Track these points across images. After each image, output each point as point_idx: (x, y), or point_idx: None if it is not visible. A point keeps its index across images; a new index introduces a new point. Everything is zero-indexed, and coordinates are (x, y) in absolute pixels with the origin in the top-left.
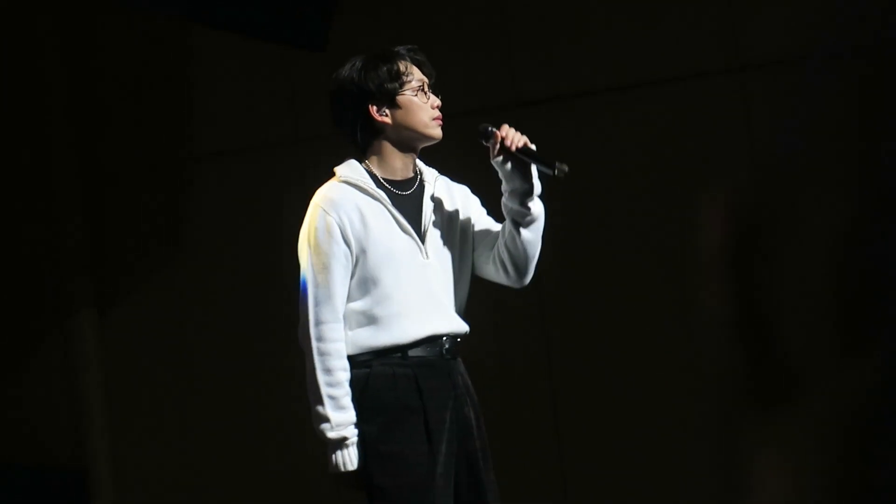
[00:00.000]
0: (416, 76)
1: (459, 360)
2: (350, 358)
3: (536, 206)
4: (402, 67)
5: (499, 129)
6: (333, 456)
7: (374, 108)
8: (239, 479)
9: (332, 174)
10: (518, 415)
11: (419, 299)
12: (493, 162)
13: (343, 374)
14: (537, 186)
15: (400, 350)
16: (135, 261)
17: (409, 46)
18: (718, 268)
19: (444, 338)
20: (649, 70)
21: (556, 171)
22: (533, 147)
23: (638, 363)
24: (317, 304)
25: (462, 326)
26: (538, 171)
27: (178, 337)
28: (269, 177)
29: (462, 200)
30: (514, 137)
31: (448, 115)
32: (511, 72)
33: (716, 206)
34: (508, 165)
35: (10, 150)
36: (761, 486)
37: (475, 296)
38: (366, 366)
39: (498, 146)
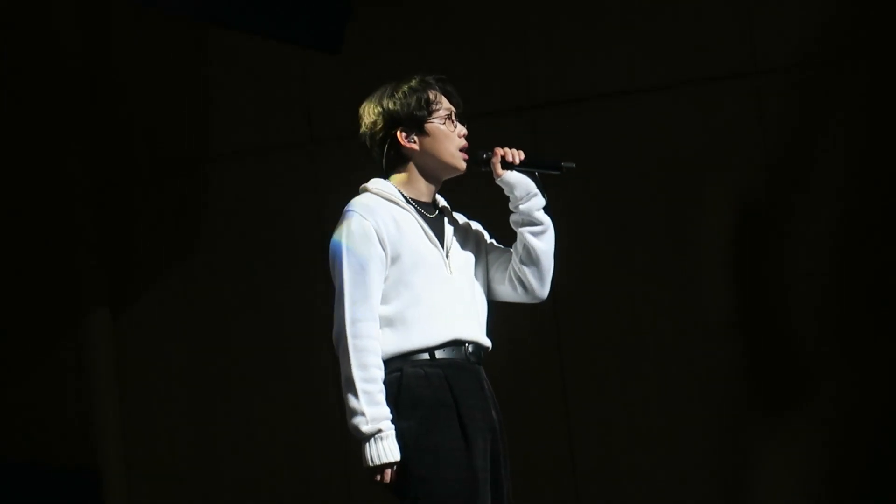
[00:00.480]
0: (444, 105)
1: (483, 369)
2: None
3: (546, 217)
4: (431, 96)
5: (492, 152)
6: (368, 449)
7: (403, 134)
8: (252, 478)
9: (361, 190)
10: (530, 420)
11: (447, 304)
12: (498, 182)
13: (378, 371)
14: (545, 197)
15: (427, 352)
16: (148, 260)
17: (439, 76)
18: (724, 266)
19: (468, 344)
20: (664, 73)
21: (563, 170)
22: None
23: (651, 364)
24: (354, 303)
25: (486, 341)
26: (544, 175)
27: (190, 336)
28: (282, 177)
29: (476, 229)
30: (512, 152)
31: (464, 117)
32: (526, 74)
33: (721, 206)
34: (515, 179)
35: (26, 151)
36: (766, 482)
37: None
38: (396, 370)
39: (499, 165)
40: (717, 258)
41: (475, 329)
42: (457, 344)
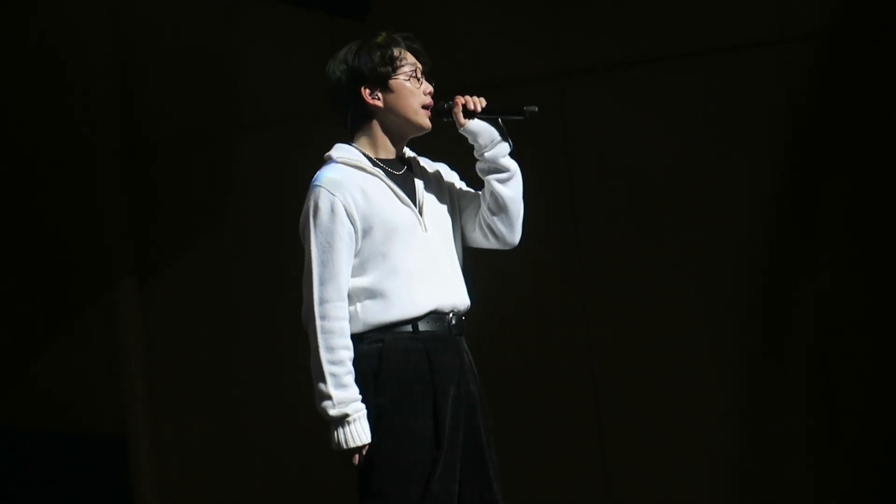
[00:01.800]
0: (409, 61)
1: (464, 339)
2: (361, 335)
3: (512, 163)
4: (396, 52)
5: (453, 101)
6: (335, 433)
7: (367, 90)
8: (280, 446)
9: (326, 159)
10: (560, 408)
11: (425, 272)
12: (461, 131)
13: (345, 352)
14: (510, 143)
15: (409, 323)
16: (175, 230)
17: (406, 34)
18: (750, 241)
19: (451, 314)
20: (692, 41)
21: (526, 115)
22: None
23: (683, 351)
24: (321, 283)
25: (465, 300)
26: (509, 122)
27: (217, 306)
28: (310, 147)
29: (445, 174)
30: (474, 100)
31: (493, 84)
32: (554, 41)
33: (748, 177)
34: (478, 127)
35: (53, 120)
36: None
37: (517, 282)
38: (378, 341)
39: (461, 113)
40: (742, 234)
41: (455, 292)
42: (439, 314)
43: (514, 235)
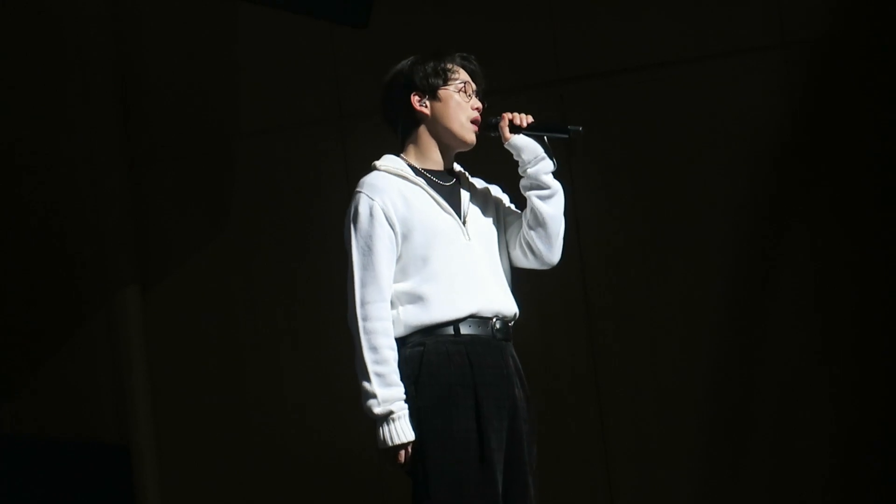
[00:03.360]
0: (461, 77)
1: (511, 343)
2: (402, 339)
3: (555, 182)
4: (449, 66)
5: (500, 116)
6: (380, 431)
7: (416, 98)
8: (284, 453)
9: (371, 168)
10: (564, 421)
11: (466, 277)
12: (507, 146)
13: (389, 351)
14: (554, 162)
15: (451, 326)
16: (178, 237)
17: (466, 54)
18: (753, 241)
19: (494, 318)
20: (692, 46)
21: (571, 134)
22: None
23: (685, 352)
24: (363, 286)
25: (511, 307)
26: (554, 140)
27: (221, 313)
28: (311, 153)
29: (494, 192)
30: (520, 116)
31: (492, 91)
32: (554, 48)
33: (750, 179)
34: (523, 142)
35: (56, 127)
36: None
37: (518, 283)
38: (419, 345)
39: (507, 128)
40: (744, 237)
41: (498, 298)
42: (481, 318)
43: (553, 254)
